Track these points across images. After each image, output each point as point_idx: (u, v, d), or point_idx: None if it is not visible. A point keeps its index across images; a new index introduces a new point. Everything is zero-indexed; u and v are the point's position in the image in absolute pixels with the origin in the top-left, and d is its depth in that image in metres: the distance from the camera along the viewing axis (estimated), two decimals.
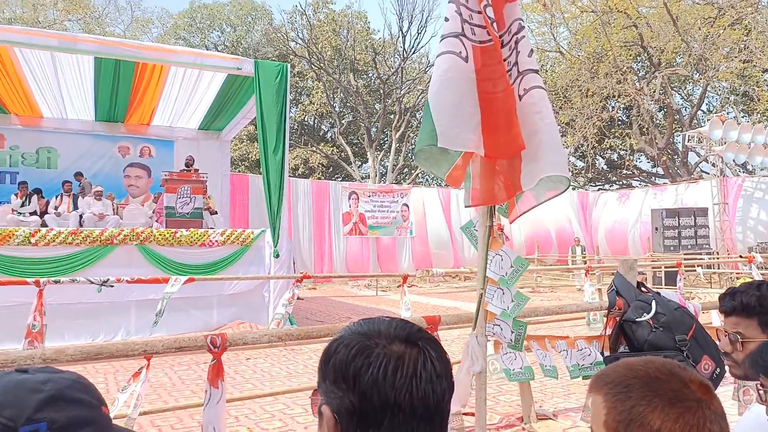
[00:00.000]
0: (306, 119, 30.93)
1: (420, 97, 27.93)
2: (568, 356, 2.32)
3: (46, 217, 10.00)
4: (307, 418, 4.55)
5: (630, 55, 24.93)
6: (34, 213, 10.29)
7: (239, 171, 24.15)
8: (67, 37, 8.95)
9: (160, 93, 11.06)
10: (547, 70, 27.60)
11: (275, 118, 9.04)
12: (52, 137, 12.61)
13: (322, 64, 27.38)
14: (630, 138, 26.14)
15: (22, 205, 10.36)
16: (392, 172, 27.53)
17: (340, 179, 28.55)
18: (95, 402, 0.78)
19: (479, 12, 1.91)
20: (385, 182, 26.03)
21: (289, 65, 9.59)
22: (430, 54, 30.32)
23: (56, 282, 4.39)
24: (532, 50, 1.96)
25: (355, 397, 0.81)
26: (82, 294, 7.52)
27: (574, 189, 25.45)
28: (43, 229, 8.28)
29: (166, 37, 31.38)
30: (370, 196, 16.88)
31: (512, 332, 1.95)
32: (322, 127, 32.92)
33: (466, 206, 2.00)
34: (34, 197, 10.63)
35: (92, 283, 4.49)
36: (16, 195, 10.63)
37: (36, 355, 1.70)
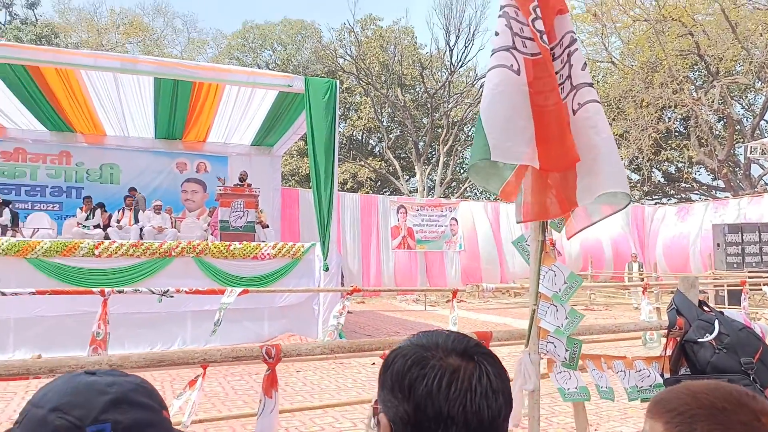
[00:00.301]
0: (354, 134, 31.33)
1: (467, 110, 27.84)
2: (625, 377, 2.24)
3: (108, 230, 10.49)
4: None
5: (686, 64, 24.10)
6: (97, 226, 10.81)
7: (289, 185, 24.66)
8: (128, 59, 9.43)
9: (215, 111, 11.46)
10: (598, 81, 27.01)
11: (325, 134, 9.21)
12: (115, 154, 13.26)
13: (369, 80, 27.73)
14: (688, 150, 25.17)
15: (87, 219, 10.91)
16: (440, 185, 27.46)
17: (388, 193, 28.70)
18: (157, 406, 0.81)
19: (528, 25, 1.91)
20: (433, 196, 25.99)
21: (337, 81, 9.77)
22: (477, 67, 30.25)
23: (120, 292, 4.60)
24: (585, 63, 1.94)
25: (410, 407, 0.82)
26: (141, 304, 7.81)
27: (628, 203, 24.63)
28: (106, 242, 8.67)
29: (220, 57, 32.56)
30: (418, 210, 16.88)
31: (566, 350, 1.91)
32: (371, 141, 33.26)
33: (517, 222, 1.99)
34: (98, 211, 11.18)
35: (154, 293, 4.69)
36: (81, 209, 11.21)
37: (103, 361, 1.80)
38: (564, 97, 1.91)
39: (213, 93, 10.44)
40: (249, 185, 11.18)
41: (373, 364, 7.37)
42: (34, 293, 4.80)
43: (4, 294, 4.26)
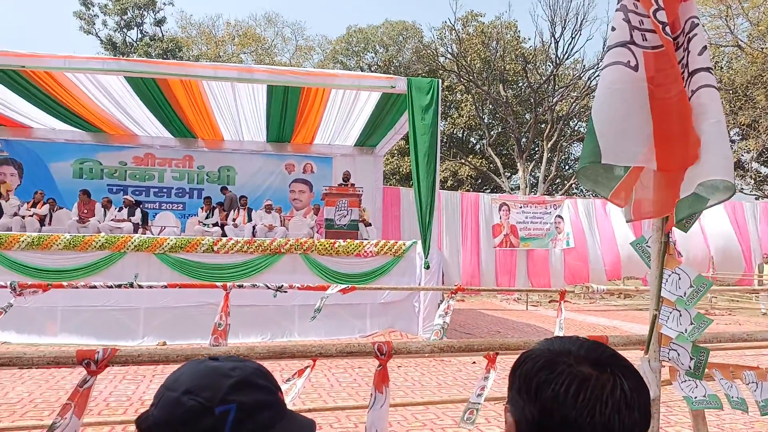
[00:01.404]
0: (455, 132, 31.13)
1: (574, 104, 26.67)
2: (757, 389, 2.05)
3: (225, 228, 11.26)
4: (458, 430, 4.57)
5: None
6: (216, 224, 11.64)
7: (391, 184, 25.00)
8: (244, 68, 10.05)
9: (321, 114, 11.90)
10: (722, 67, 24.76)
11: (427, 133, 9.25)
12: (231, 157, 14.21)
13: (471, 77, 27.40)
14: None
15: (207, 218, 11.79)
16: (543, 182, 26.57)
17: (488, 191, 28.25)
18: (273, 388, 0.88)
19: (649, 16, 1.82)
20: (536, 193, 25.22)
21: (439, 80, 9.76)
22: (585, 59, 28.90)
23: (240, 286, 4.96)
24: (705, 47, 1.81)
25: (535, 409, 0.83)
26: (254, 297, 8.26)
27: (757, 198, 22.40)
28: (224, 239, 9.32)
29: (325, 62, 33.72)
30: (521, 207, 16.45)
31: (692, 359, 1.79)
32: (471, 139, 32.90)
33: (627, 221, 1.90)
34: (216, 210, 12.04)
35: (269, 288, 4.99)
36: (201, 208, 12.14)
37: (231, 351, 1.96)
38: (684, 86, 1.80)
39: (320, 97, 10.83)
40: (352, 185, 11.49)
41: (473, 362, 7.31)
42: (165, 286, 5.29)
43: (141, 287, 4.74)
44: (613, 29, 1.86)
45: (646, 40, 1.82)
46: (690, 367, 1.81)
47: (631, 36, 1.81)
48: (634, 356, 2.21)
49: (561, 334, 5.59)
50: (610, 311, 15.17)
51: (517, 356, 0.95)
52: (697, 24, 1.85)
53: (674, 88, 1.78)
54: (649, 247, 1.93)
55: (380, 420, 2.15)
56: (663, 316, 1.83)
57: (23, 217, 10.60)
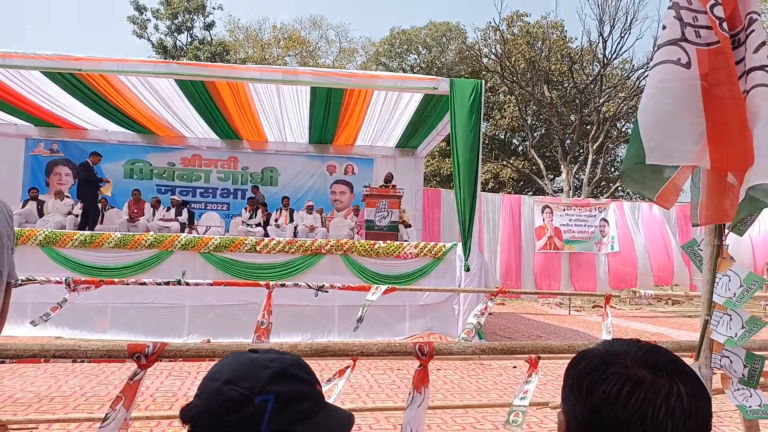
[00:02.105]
0: (497, 134, 30.78)
1: (621, 104, 25.96)
2: None
3: (268, 228, 11.46)
4: None
5: None
6: (258, 224, 11.87)
7: (431, 186, 24.91)
8: (289, 71, 10.20)
9: (363, 116, 11.95)
10: None
11: (469, 135, 9.16)
12: (275, 159, 14.46)
13: (514, 78, 27.04)
14: None
15: (250, 218, 12.04)
16: (588, 185, 25.95)
17: (531, 193, 27.80)
18: (311, 380, 0.91)
19: (706, 12, 1.75)
20: (580, 196, 24.67)
21: (482, 81, 9.66)
22: (634, 58, 28.09)
23: (282, 285, 5.04)
24: (763, 43, 1.72)
25: (586, 409, 0.82)
26: (294, 297, 8.38)
27: None
28: (266, 239, 9.48)
29: (368, 64, 33.91)
30: (564, 210, 16.11)
31: (745, 366, 1.71)
32: (514, 141, 32.46)
33: (693, 225, 1.83)
34: (259, 211, 12.27)
35: (311, 288, 5.05)
36: (245, 209, 12.40)
37: (275, 347, 1.98)
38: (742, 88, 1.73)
39: (362, 99, 10.87)
40: (394, 186, 11.49)
41: (514, 367, 7.19)
42: (212, 284, 5.42)
43: (188, 284, 4.88)
44: (664, 27, 1.81)
45: (700, 36, 1.75)
46: (744, 375, 1.73)
47: (683, 33, 1.75)
48: None
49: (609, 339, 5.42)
50: (657, 318, 14.68)
51: (559, 360, 0.93)
52: (756, 20, 1.78)
53: (731, 87, 1.71)
54: (701, 250, 1.86)
55: (416, 420, 2.14)
56: (714, 321, 1.75)
57: (77, 215, 11.06)
